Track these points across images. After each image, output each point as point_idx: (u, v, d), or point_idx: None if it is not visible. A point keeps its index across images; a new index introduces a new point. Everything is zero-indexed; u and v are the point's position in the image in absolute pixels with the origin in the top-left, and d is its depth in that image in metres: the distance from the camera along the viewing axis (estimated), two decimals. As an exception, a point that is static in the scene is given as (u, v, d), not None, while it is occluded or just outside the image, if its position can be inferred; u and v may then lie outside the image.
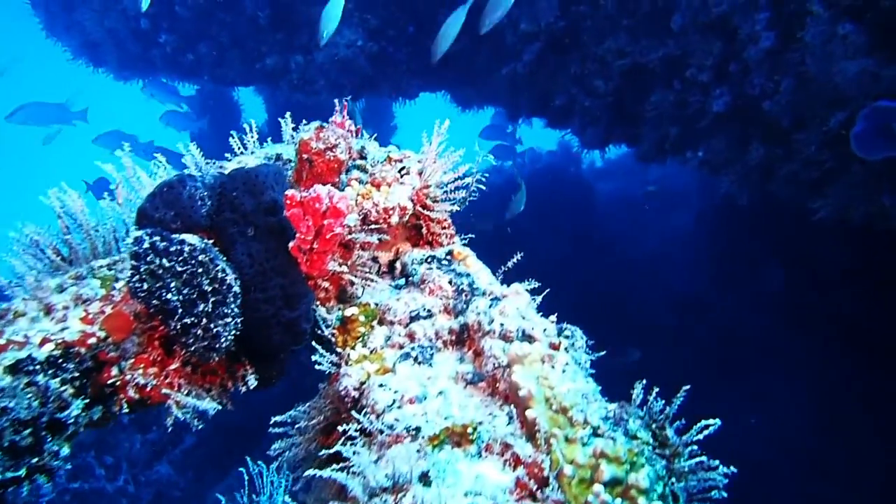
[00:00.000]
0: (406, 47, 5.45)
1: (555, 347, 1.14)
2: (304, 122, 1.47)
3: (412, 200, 1.44)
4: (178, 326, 1.10)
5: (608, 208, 9.02)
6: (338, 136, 1.41)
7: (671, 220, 8.39)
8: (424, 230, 1.49)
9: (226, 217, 1.17)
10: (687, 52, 3.60)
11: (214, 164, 1.44)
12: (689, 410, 1.15)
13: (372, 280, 1.37)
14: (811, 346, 5.40)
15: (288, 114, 1.57)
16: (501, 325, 1.16)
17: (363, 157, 1.56)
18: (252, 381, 1.21)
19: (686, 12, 3.47)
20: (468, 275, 1.36)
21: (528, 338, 1.16)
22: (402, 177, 1.45)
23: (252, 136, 1.55)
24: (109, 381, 1.06)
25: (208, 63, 5.72)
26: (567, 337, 1.22)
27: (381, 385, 1.13)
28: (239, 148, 1.52)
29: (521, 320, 1.19)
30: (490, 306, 1.23)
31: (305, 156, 1.41)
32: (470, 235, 1.70)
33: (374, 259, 1.43)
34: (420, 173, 1.46)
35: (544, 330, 1.18)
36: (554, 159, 9.77)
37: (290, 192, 1.17)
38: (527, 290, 1.33)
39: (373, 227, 1.36)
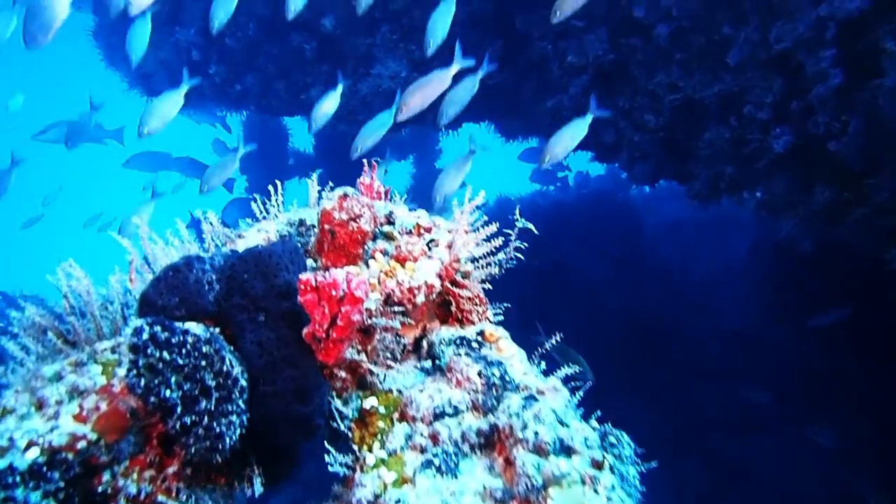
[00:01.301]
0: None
1: (598, 466, 0.99)
2: (330, 187, 1.38)
3: (440, 276, 1.32)
4: (178, 426, 1.00)
5: (656, 235, 8.74)
6: (362, 206, 1.31)
7: (722, 249, 8.05)
8: (454, 307, 1.37)
9: (235, 303, 1.08)
10: (745, 88, 3.40)
11: (233, 233, 1.35)
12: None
13: (394, 366, 1.26)
14: (874, 387, 5.01)
15: (314, 175, 1.48)
16: (535, 433, 1.02)
17: (391, 223, 1.46)
18: (259, 484, 1.10)
19: (744, 47, 3.27)
20: (500, 363, 1.22)
21: (566, 450, 1.01)
22: (429, 249, 1.33)
23: (277, 199, 1.47)
24: (99, 489, 0.96)
25: (255, 93, 5.79)
26: (612, 445, 1.07)
27: (398, 501, 1.00)
28: (261, 212, 1.44)
29: (558, 427, 1.04)
30: (524, 407, 1.09)
31: (327, 226, 1.31)
32: (506, 305, 1.57)
33: (399, 337, 1.31)
34: (450, 246, 1.34)
35: (585, 440, 1.04)
36: (601, 184, 9.59)
37: (304, 276, 1.07)
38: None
39: (396, 309, 1.25)
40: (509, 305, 1.62)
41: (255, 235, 1.36)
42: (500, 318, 1.59)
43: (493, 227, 1.37)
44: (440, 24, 3.55)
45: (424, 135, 8.26)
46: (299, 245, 1.39)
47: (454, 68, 3.46)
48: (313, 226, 1.42)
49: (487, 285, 1.39)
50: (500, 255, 1.39)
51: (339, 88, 3.83)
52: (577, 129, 3.45)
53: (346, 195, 1.32)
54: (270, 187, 1.45)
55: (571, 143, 3.46)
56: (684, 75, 3.73)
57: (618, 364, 6.57)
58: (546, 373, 1.42)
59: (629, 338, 6.88)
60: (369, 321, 1.20)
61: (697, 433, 6.41)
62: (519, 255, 1.54)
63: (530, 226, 1.53)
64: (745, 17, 3.24)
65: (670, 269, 8.02)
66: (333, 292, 1.07)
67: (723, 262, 7.76)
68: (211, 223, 1.32)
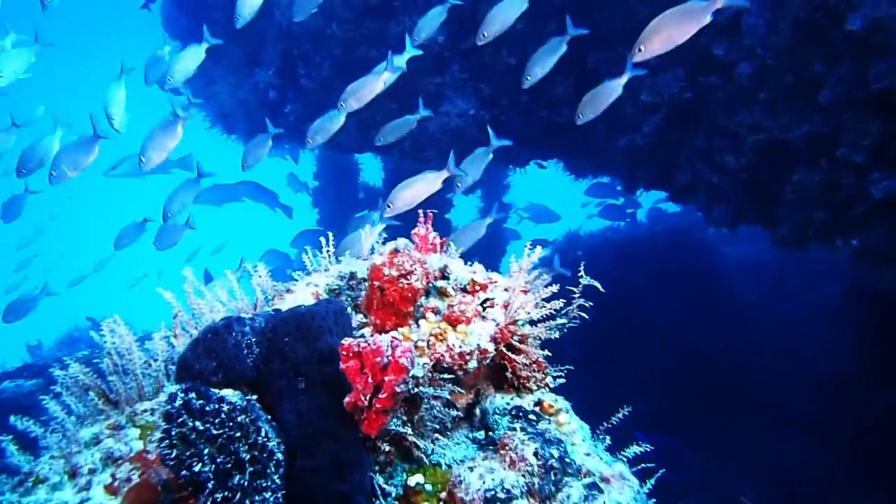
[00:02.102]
0: (519, 116, 5.33)
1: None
2: (382, 241, 1.32)
3: (495, 340, 1.22)
4: (209, 502, 0.94)
5: (735, 275, 8.28)
6: (413, 263, 1.23)
7: (812, 292, 7.49)
8: (510, 373, 1.26)
9: (274, 367, 1.02)
10: (837, 129, 3.16)
11: (283, 286, 1.31)
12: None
13: (442, 438, 1.16)
14: None
15: (367, 226, 1.43)
16: (597, 534, 0.90)
17: (445, 277, 1.38)
18: (292, 565, 1.02)
19: (837, 87, 3.05)
20: (560, 442, 1.10)
21: (632, 557, 0.88)
22: (484, 310, 1.24)
23: (328, 250, 1.42)
24: (124, 569, 0.91)
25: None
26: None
27: None
28: (311, 264, 1.39)
29: (623, 528, 0.92)
30: (585, 499, 0.96)
31: (377, 283, 1.24)
32: (568, 367, 1.45)
33: (449, 404, 1.22)
34: (506, 306, 1.25)
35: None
36: (677, 221, 9.22)
37: (346, 342, 0.99)
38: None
39: (445, 376, 1.15)
40: (571, 367, 1.50)
41: (305, 290, 1.31)
42: (563, 380, 1.47)
43: (554, 288, 1.27)
44: (539, 64, 3.50)
45: (493, 169, 8.23)
46: (346, 304, 1.33)
47: (443, 174, 3.18)
48: (364, 279, 1.36)
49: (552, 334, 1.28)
50: (562, 318, 1.28)
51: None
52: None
53: (396, 250, 1.25)
54: (322, 238, 1.40)
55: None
56: (769, 115, 3.51)
57: (692, 413, 6.18)
58: (611, 449, 1.28)
59: (704, 383, 6.48)
60: (416, 390, 1.11)
61: (783, 491, 5.90)
62: (584, 314, 1.42)
63: (596, 283, 1.41)
64: (838, 54, 3.02)
65: (749, 311, 7.54)
66: (377, 359, 0.99)
67: (808, 306, 7.23)
68: (259, 275, 1.28)
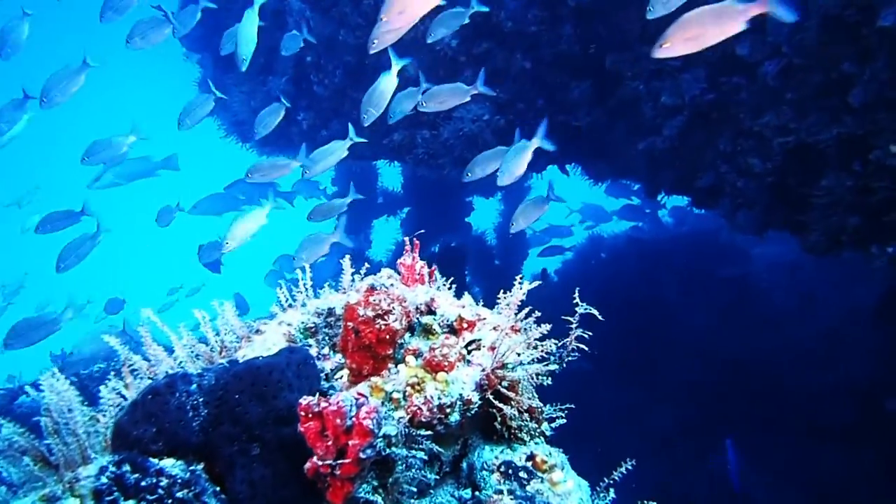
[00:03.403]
0: (535, 121, 5.19)
1: None
2: (373, 272, 1.20)
3: (481, 387, 1.09)
4: (146, 587, 0.83)
5: (766, 278, 7.99)
6: (391, 301, 1.12)
7: (848, 295, 7.17)
8: (499, 423, 1.13)
9: (224, 431, 0.91)
10: (871, 131, 2.95)
11: (253, 324, 1.20)
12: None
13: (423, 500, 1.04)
14: None
15: (347, 257, 1.32)
16: None
17: (432, 312, 1.26)
18: None
19: (870, 86, 2.85)
20: (551, 509, 0.97)
21: None
22: (469, 352, 1.12)
23: (305, 283, 1.31)
24: None
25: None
26: None
27: None
28: (287, 300, 1.28)
29: None
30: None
31: (351, 324, 1.13)
32: (561, 419, 1.31)
33: (430, 461, 1.09)
34: (493, 348, 1.12)
35: None
36: (702, 221, 8.94)
37: (304, 402, 0.88)
38: None
39: (422, 433, 1.03)
40: (573, 406, 1.37)
41: (276, 330, 1.20)
42: (562, 420, 1.34)
43: (546, 328, 1.14)
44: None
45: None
46: (323, 343, 1.22)
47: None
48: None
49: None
50: (553, 363, 1.15)
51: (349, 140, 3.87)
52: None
53: (373, 287, 1.14)
54: (298, 271, 1.30)
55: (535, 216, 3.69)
56: (797, 116, 3.32)
57: (726, 422, 5.95)
58: (615, 506, 1.15)
59: (737, 391, 6.24)
60: (388, 451, 0.99)
61: (819, 500, 5.64)
62: (584, 346, 1.29)
63: (594, 311, 1.28)
64: (870, 52, 2.83)
65: (783, 316, 7.26)
66: (339, 421, 0.88)
67: (847, 311, 6.92)
68: (225, 316, 1.18)
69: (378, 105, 3.86)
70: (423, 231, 1.34)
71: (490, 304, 1.35)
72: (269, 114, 4.39)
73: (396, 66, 3.61)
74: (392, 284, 1.30)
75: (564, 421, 1.35)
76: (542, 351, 1.15)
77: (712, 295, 7.52)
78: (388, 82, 3.72)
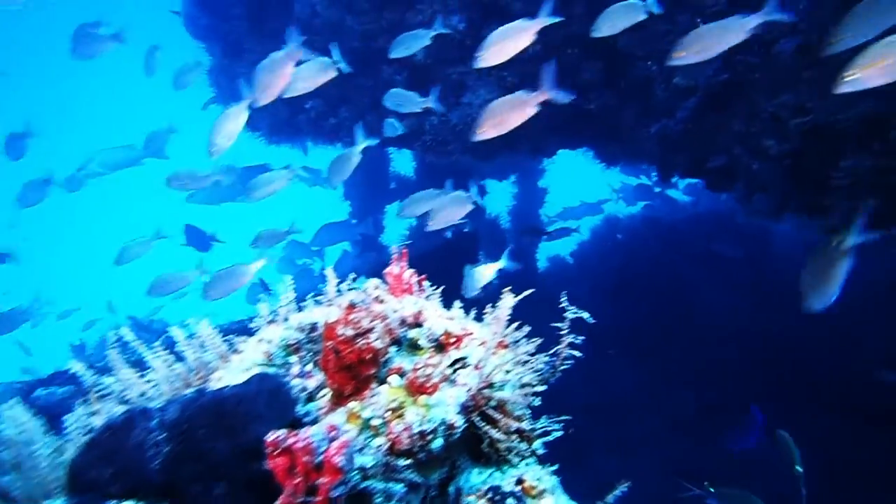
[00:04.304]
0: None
1: None
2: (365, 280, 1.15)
3: (467, 408, 1.04)
4: None
5: (788, 254, 7.81)
6: (373, 319, 1.07)
7: (868, 268, 6.99)
8: (487, 445, 1.09)
9: (187, 470, 0.87)
10: (892, 111, 2.82)
11: (233, 342, 1.16)
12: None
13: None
14: None
15: (330, 268, 1.27)
16: None
17: (419, 325, 1.21)
18: None
19: (891, 63, 2.71)
20: (537, 541, 0.92)
21: None
22: (454, 371, 1.07)
23: (287, 296, 1.27)
24: None
25: (348, 126, 5.78)
26: None
27: None
28: (268, 316, 1.24)
29: None
30: None
31: (330, 344, 1.08)
32: (566, 417, 1.26)
33: (412, 489, 1.05)
34: (479, 367, 1.07)
35: None
36: (719, 200, 8.76)
37: (271, 437, 0.84)
38: None
39: (402, 462, 0.99)
40: (570, 417, 1.31)
41: (255, 348, 1.16)
42: (558, 433, 1.29)
43: (535, 343, 1.09)
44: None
45: (521, 160, 7.99)
46: (308, 359, 1.18)
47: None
48: (328, 331, 1.20)
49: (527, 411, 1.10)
50: (537, 383, 1.09)
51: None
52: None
53: (353, 305, 1.09)
54: (280, 285, 1.25)
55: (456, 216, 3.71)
56: (814, 96, 3.18)
57: (744, 405, 5.87)
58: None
59: (760, 373, 6.14)
60: (364, 484, 0.95)
61: (840, 481, 5.55)
62: (576, 352, 1.23)
63: (584, 315, 1.22)
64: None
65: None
66: (307, 458, 0.83)
67: (869, 289, 6.75)
68: (201, 335, 1.14)
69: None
70: (411, 241, 1.28)
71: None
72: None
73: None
74: (379, 296, 1.25)
75: (560, 431, 1.30)
76: (531, 368, 1.10)
77: (733, 274, 7.40)
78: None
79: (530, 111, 3.20)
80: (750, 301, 7.08)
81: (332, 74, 3.51)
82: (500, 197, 9.20)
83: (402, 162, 9.44)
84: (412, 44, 3.83)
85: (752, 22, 2.68)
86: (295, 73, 3.42)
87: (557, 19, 3.58)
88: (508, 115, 3.22)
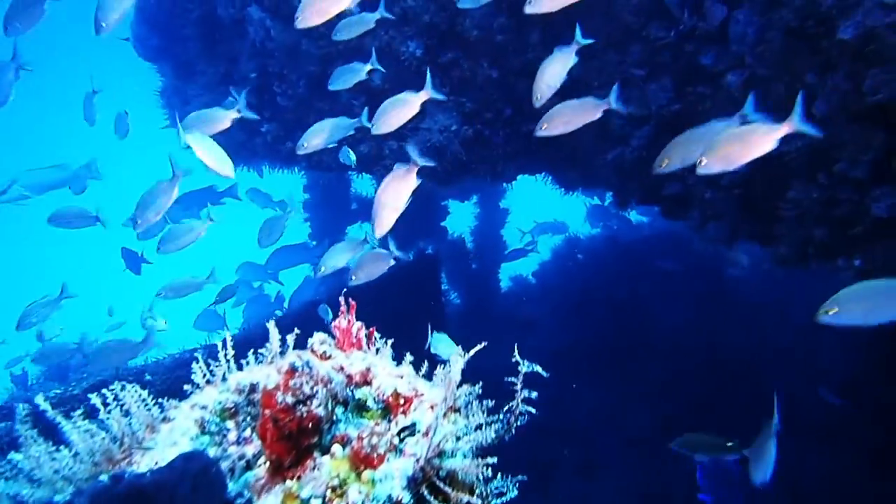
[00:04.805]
0: (503, 129, 5.10)
1: None
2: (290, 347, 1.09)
3: (415, 480, 0.99)
4: None
5: (746, 274, 8.02)
6: (314, 384, 1.01)
7: (818, 292, 7.20)
8: (437, 518, 1.03)
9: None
10: (835, 143, 2.91)
11: (165, 407, 1.08)
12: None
13: None
14: None
15: (271, 322, 1.20)
16: None
17: (368, 383, 1.15)
18: None
19: (832, 98, 2.80)
20: None
21: None
22: (401, 440, 1.01)
23: (226, 353, 1.19)
24: None
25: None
26: None
27: None
28: (204, 374, 1.16)
29: None
30: None
31: (268, 412, 1.01)
32: (520, 477, 1.22)
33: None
34: (428, 433, 1.02)
35: None
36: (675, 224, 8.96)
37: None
38: None
39: (344, 547, 0.93)
40: (525, 477, 1.27)
41: (187, 416, 1.09)
42: (514, 493, 1.24)
43: (488, 410, 1.04)
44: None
45: (481, 185, 8.03)
46: (250, 428, 1.11)
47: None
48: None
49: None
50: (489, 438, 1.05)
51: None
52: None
53: (294, 368, 1.02)
54: (220, 343, 1.18)
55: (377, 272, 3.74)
56: (761, 127, 3.27)
57: (704, 420, 5.94)
58: None
59: (720, 389, 6.23)
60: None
61: (798, 497, 5.64)
62: (531, 408, 1.20)
63: (538, 368, 1.18)
64: (831, 63, 2.78)
65: (761, 314, 7.26)
66: (236, 552, 0.77)
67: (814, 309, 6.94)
68: (127, 400, 1.06)
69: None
70: (353, 300, 1.23)
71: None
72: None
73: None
74: (325, 352, 1.19)
75: (516, 493, 1.25)
76: (483, 432, 1.05)
77: (689, 291, 7.54)
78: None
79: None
80: (703, 316, 7.23)
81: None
82: (461, 218, 9.22)
83: (363, 183, 9.38)
84: (349, 77, 3.87)
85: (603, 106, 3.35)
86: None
87: (441, 97, 3.76)
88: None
